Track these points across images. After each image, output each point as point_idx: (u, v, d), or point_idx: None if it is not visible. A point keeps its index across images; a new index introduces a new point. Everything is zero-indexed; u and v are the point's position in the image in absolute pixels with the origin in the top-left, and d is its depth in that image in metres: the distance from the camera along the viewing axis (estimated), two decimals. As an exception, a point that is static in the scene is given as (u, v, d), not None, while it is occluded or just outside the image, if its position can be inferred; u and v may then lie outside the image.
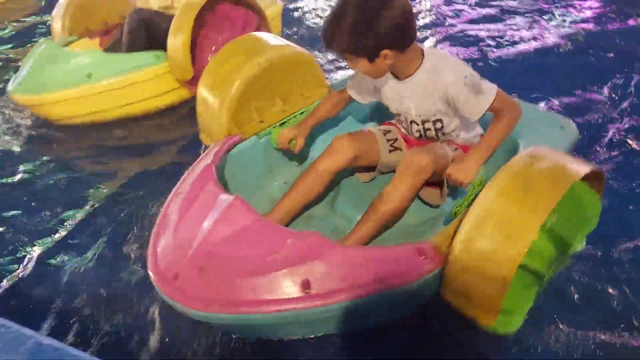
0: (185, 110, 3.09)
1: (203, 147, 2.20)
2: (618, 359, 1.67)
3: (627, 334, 1.74)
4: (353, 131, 2.04)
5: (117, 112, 2.99)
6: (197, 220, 1.61)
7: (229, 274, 1.46)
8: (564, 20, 4.13)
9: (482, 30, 4.03)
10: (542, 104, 3.00)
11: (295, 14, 4.55)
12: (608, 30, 3.94)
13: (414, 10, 1.77)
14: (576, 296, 1.85)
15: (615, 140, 2.69)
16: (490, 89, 1.75)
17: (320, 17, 4.43)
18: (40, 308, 1.92)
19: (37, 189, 2.58)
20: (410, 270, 1.50)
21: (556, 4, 4.44)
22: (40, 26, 4.50)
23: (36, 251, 2.17)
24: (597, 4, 4.38)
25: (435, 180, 1.91)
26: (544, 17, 4.22)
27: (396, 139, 2.07)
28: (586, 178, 1.51)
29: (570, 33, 3.89)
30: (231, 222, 1.58)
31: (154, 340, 1.77)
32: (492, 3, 4.54)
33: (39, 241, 2.23)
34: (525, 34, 3.94)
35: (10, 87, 2.93)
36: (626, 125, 2.79)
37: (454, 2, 4.61)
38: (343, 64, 3.44)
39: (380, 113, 2.32)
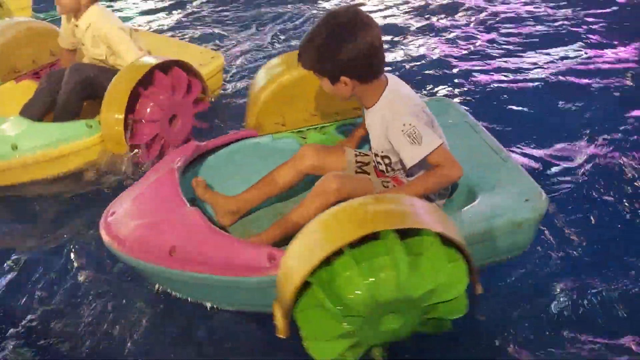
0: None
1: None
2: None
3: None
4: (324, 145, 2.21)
5: (49, 186, 2.77)
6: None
7: (134, 229, 1.89)
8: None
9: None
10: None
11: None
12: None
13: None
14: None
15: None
16: (430, 143, 1.78)
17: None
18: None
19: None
20: (252, 268, 1.70)
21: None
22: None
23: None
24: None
25: None
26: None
27: (368, 163, 2.14)
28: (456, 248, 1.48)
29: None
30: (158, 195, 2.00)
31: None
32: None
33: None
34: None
35: None
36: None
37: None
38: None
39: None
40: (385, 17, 4.80)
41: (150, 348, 1.94)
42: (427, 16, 4.73)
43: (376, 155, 2.02)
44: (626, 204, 2.47)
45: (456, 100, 3.25)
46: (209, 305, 1.92)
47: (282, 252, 1.60)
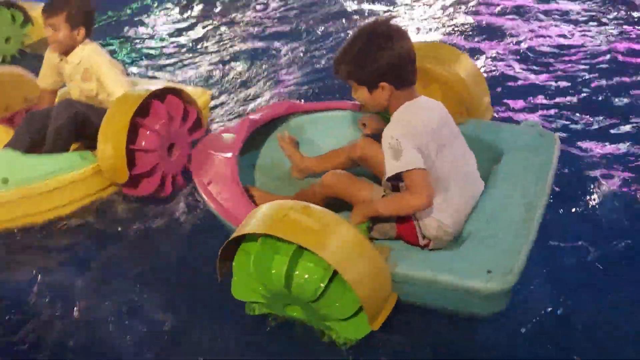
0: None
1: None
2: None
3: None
4: None
5: (42, 217, 2.67)
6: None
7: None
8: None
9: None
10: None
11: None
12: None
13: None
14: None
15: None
16: (407, 164, 1.83)
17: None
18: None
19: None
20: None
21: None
22: None
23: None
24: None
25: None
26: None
27: None
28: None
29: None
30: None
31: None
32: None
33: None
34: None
35: None
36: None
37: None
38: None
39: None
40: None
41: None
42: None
43: None
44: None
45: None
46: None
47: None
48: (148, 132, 2.64)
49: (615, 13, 4.50)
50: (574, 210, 2.39)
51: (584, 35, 4.18)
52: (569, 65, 3.76)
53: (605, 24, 4.33)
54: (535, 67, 3.79)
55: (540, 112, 3.21)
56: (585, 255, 2.17)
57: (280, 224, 1.64)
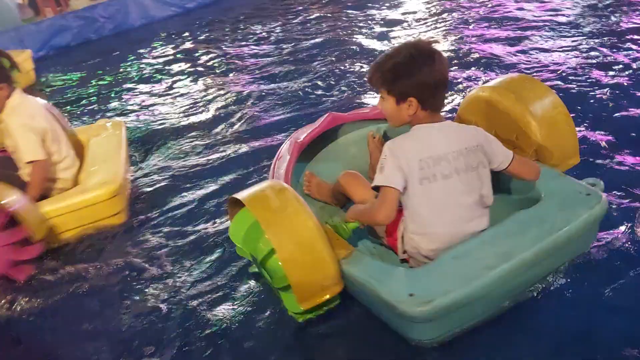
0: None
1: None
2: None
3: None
4: None
5: None
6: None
7: None
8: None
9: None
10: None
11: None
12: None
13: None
14: None
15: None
16: (382, 180, 1.88)
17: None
18: None
19: None
20: None
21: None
22: None
23: None
24: None
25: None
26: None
27: None
28: None
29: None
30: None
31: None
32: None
33: None
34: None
35: None
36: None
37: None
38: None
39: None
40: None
41: None
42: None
43: None
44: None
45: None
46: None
47: None
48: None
49: None
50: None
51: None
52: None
53: None
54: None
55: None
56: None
57: (254, 196, 1.93)
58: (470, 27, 5.11)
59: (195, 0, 8.08)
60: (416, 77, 1.87)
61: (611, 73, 3.66)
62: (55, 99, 5.00)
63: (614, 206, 2.33)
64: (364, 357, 1.91)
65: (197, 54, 5.87)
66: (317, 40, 5.57)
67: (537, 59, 4.11)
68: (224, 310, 2.21)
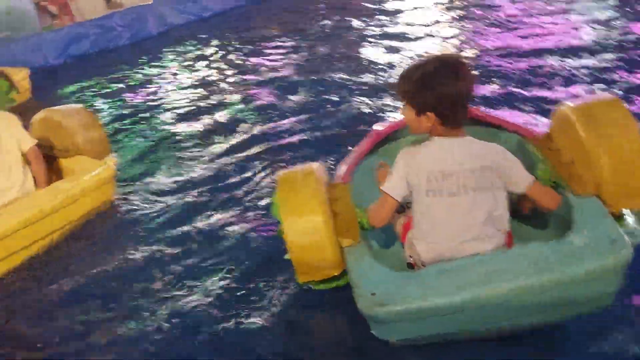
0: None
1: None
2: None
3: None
4: None
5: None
6: None
7: None
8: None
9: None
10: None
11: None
12: None
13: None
14: None
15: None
16: (386, 187, 1.98)
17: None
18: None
19: None
20: None
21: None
22: None
23: None
24: None
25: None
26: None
27: None
28: None
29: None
30: None
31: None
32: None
33: None
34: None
35: None
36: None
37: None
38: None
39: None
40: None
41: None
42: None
43: None
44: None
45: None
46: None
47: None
48: None
49: None
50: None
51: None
52: None
53: None
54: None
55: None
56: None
57: (285, 175, 2.14)
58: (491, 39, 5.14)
59: (211, 9, 8.19)
60: (437, 91, 1.87)
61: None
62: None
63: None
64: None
65: (211, 62, 5.96)
66: (331, 51, 5.62)
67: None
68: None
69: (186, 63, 6.13)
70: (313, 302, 2.25)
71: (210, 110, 4.61)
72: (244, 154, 3.70)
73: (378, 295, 1.73)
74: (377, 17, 6.64)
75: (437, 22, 6.02)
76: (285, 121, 4.10)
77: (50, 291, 2.61)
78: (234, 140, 3.96)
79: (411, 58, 4.88)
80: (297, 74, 5.13)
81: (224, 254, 2.69)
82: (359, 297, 1.77)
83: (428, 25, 5.92)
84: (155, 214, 3.13)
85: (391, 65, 4.89)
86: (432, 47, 5.21)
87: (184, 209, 3.15)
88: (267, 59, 5.72)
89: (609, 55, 4.26)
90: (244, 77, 5.33)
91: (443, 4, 6.69)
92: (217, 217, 3.00)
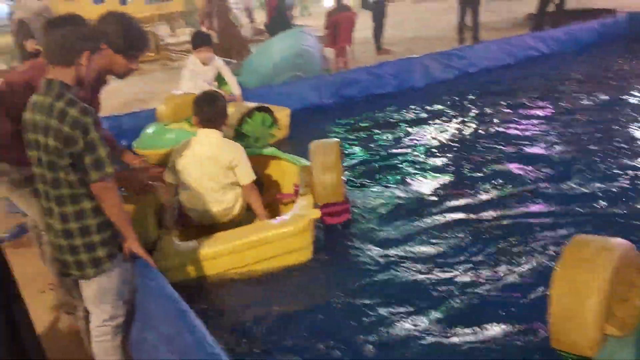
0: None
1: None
2: None
3: None
4: None
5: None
6: None
7: None
8: None
9: None
10: None
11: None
12: None
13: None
14: None
15: None
16: None
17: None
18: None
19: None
20: None
21: None
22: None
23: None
24: None
25: None
26: None
27: None
28: None
29: None
30: None
31: None
32: None
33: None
34: None
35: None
36: None
37: None
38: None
39: None
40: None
41: None
42: None
43: None
44: None
45: None
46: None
47: None
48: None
49: None
50: None
51: None
52: None
53: None
54: None
55: None
56: None
57: (577, 246, 1.96)
58: None
59: (478, 65, 8.34)
60: None
61: None
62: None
63: None
64: None
65: (466, 120, 6.08)
66: (595, 128, 5.33)
67: None
68: None
69: (443, 117, 6.34)
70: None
71: (457, 165, 4.72)
72: (501, 212, 3.75)
73: None
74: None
75: None
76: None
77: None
78: (485, 196, 4.03)
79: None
80: (555, 144, 4.96)
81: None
82: None
83: None
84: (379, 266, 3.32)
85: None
86: None
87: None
88: (522, 125, 5.63)
89: None
90: (496, 139, 5.32)
91: None
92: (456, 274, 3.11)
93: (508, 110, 6.26)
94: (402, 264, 3.27)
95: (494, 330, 2.65)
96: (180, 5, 12.21)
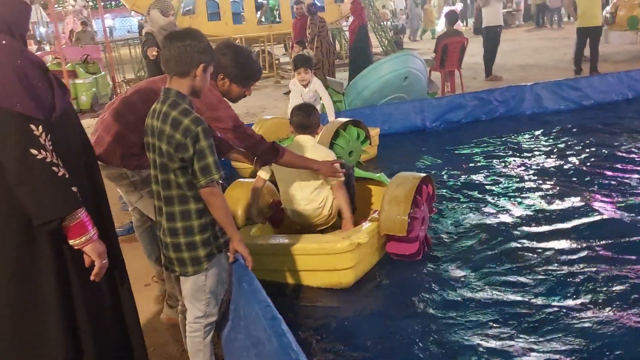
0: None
1: None
2: None
3: None
4: None
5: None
6: None
7: None
8: None
9: None
10: None
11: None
12: None
13: None
14: None
15: None
16: None
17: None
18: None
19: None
20: None
21: None
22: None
23: None
24: None
25: None
26: None
27: None
28: None
29: None
30: None
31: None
32: None
33: None
34: None
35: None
36: None
37: None
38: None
39: None
40: None
41: None
42: None
43: None
44: None
45: None
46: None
47: None
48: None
49: None
50: None
51: None
52: None
53: None
54: None
55: None
56: None
57: None
58: None
59: (592, 98, 7.97)
60: None
61: None
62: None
63: None
64: None
65: (568, 155, 5.80)
66: None
67: None
68: None
69: (544, 148, 6.13)
70: None
71: (546, 202, 4.54)
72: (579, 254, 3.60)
73: None
74: None
75: None
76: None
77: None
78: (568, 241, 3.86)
79: None
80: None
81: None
82: None
83: None
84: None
85: None
86: None
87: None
88: (620, 172, 5.24)
89: None
90: (595, 177, 5.03)
91: None
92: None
93: (614, 149, 5.91)
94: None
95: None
96: (289, 27, 12.75)
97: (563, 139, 6.43)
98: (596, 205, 4.34)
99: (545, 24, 22.40)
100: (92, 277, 2.04)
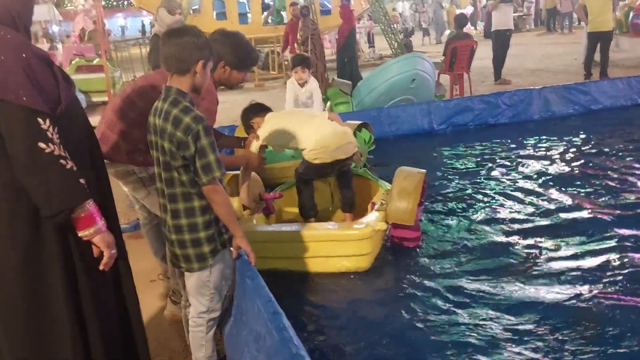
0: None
1: None
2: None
3: None
4: None
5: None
6: None
7: None
8: None
9: None
10: None
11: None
12: None
13: None
14: None
15: None
16: None
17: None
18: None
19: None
20: None
21: None
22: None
23: None
24: None
25: None
26: None
27: None
28: None
29: None
30: None
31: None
32: None
33: None
34: None
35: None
36: None
37: None
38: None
39: None
40: None
41: None
42: None
43: None
44: None
45: None
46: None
47: None
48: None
49: None
50: None
51: None
52: None
53: None
54: None
55: None
56: None
57: None
58: None
59: (601, 102, 7.94)
60: None
61: None
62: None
63: None
64: None
65: (573, 159, 5.78)
66: None
67: None
68: None
69: (550, 152, 6.11)
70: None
71: (548, 207, 4.51)
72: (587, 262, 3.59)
73: None
74: None
75: None
76: None
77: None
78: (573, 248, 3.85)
79: None
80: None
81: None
82: None
83: None
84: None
85: None
86: None
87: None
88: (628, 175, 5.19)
89: None
90: (601, 183, 4.99)
91: None
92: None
93: (623, 153, 5.89)
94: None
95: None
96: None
97: (570, 143, 6.41)
98: (601, 210, 4.35)
99: (556, 29, 22.32)
100: (101, 267, 2.07)
